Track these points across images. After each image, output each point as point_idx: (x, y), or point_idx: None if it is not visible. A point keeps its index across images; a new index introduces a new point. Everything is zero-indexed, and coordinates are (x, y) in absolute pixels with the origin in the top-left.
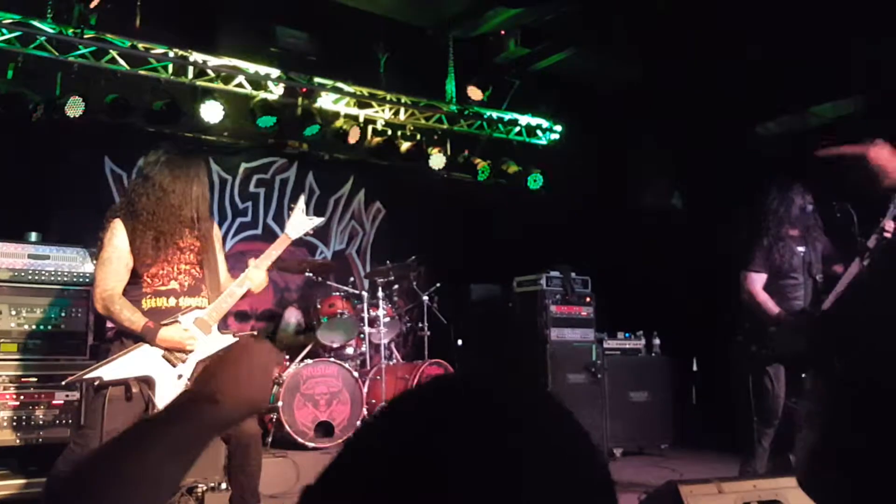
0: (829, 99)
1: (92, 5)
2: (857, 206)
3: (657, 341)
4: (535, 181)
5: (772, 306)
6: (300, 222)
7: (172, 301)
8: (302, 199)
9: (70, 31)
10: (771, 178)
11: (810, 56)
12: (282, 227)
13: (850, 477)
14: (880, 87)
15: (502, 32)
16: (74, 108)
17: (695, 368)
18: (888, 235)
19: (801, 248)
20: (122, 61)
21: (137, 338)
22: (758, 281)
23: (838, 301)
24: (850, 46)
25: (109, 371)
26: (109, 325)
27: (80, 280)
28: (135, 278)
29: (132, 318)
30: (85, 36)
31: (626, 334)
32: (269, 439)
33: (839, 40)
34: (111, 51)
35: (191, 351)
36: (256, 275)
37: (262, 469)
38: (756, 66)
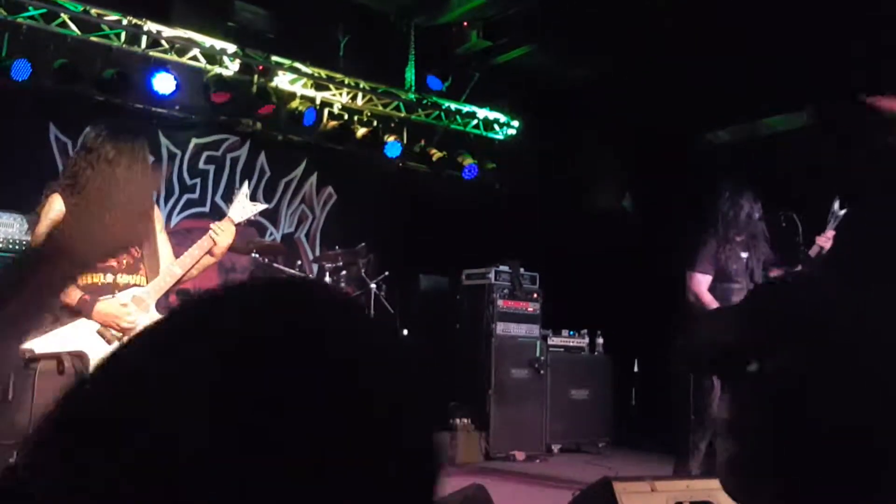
0: (782, 111)
1: None
2: (802, 215)
3: (600, 340)
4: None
5: (716, 308)
6: (243, 207)
7: (109, 277)
8: (246, 184)
9: None
10: (723, 182)
11: (766, 67)
12: (230, 207)
13: (771, 483)
14: (831, 101)
15: (465, 24)
16: (20, 70)
17: (636, 369)
18: (824, 246)
19: (744, 254)
20: (73, 26)
21: (73, 312)
22: (703, 282)
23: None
24: (805, 59)
25: (42, 343)
26: None
27: (18, 248)
28: None
29: (67, 292)
30: None
31: (571, 332)
32: None
33: (795, 53)
34: (62, 14)
35: (128, 328)
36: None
37: None
38: (712, 73)
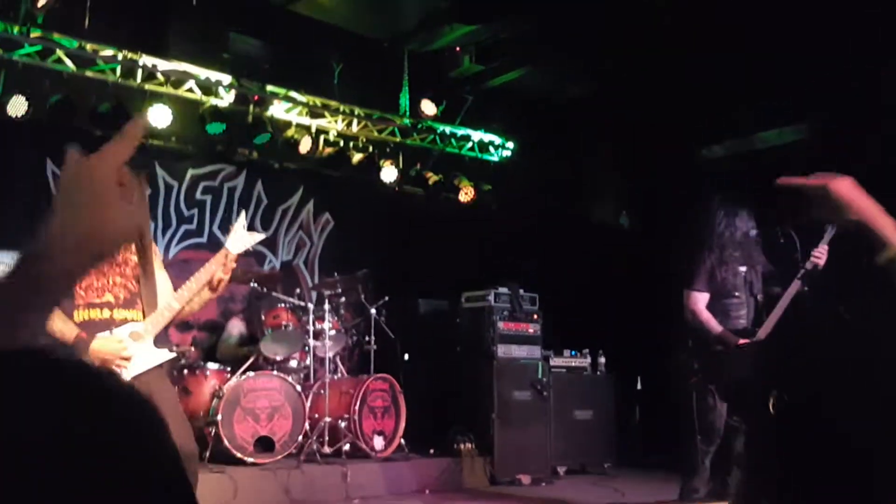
0: (777, 125)
1: (39, 4)
2: (800, 231)
3: (602, 359)
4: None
5: (714, 325)
6: (241, 237)
7: (106, 313)
8: (243, 215)
9: (15, 28)
10: (718, 201)
11: (760, 81)
12: (227, 238)
13: None
14: (827, 116)
15: (457, 49)
16: (17, 107)
17: (639, 387)
18: (818, 261)
19: (742, 268)
20: (68, 61)
21: (68, 350)
22: (701, 300)
23: (777, 324)
24: (801, 74)
25: None
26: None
27: None
28: None
29: (63, 329)
30: (31, 34)
31: (573, 352)
32: (207, 454)
33: (789, 68)
34: (57, 50)
35: (124, 364)
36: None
37: (198, 484)
38: (706, 89)
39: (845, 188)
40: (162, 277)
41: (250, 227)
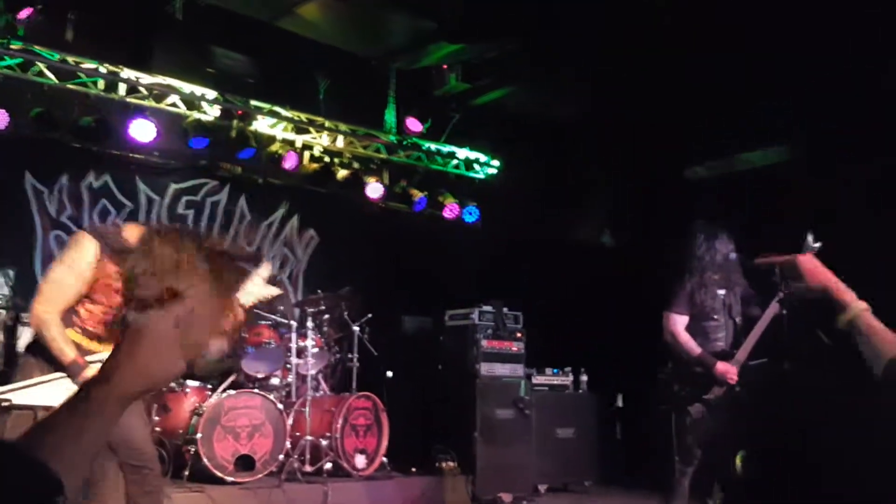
0: (759, 146)
1: (20, 16)
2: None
3: (584, 378)
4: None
5: (693, 346)
6: (257, 289)
7: (95, 344)
8: (268, 266)
9: None
10: (699, 225)
11: (742, 102)
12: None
13: None
14: (808, 137)
15: (444, 67)
16: None
17: (620, 405)
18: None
19: (721, 291)
20: (50, 74)
21: (54, 362)
22: (680, 322)
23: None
24: (780, 95)
25: (22, 396)
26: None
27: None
28: (73, 308)
29: (64, 349)
30: (12, 46)
31: (555, 370)
32: (186, 472)
33: (771, 89)
34: (39, 63)
35: None
36: None
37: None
38: (689, 110)
39: (809, 262)
40: None
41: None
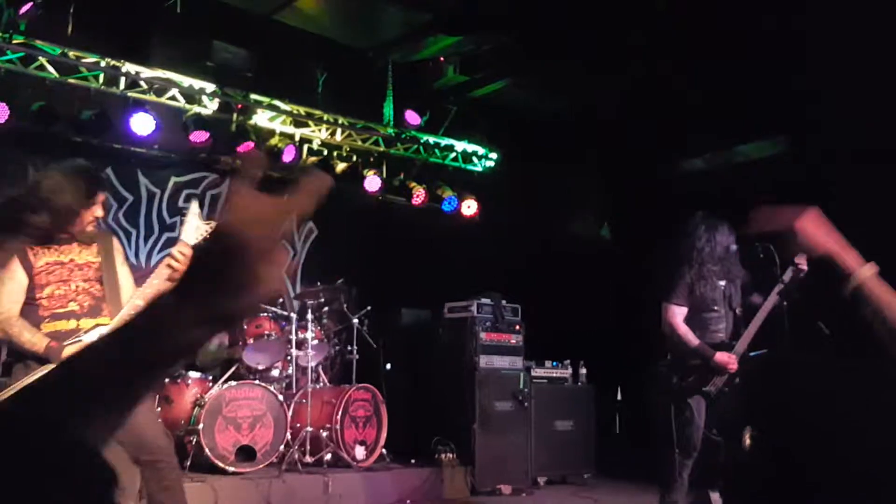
0: (755, 138)
1: (21, 11)
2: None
3: (583, 370)
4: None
5: (692, 338)
6: (197, 227)
7: (73, 323)
8: (195, 204)
9: None
10: (698, 216)
11: (738, 95)
12: (181, 229)
13: None
14: (804, 129)
15: (441, 59)
16: None
17: (619, 398)
18: (802, 269)
19: (721, 283)
20: (51, 68)
21: (40, 359)
22: (679, 314)
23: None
24: (777, 87)
25: (8, 392)
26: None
27: None
28: (31, 300)
29: (33, 339)
30: (13, 41)
31: (554, 363)
32: (188, 463)
33: (766, 81)
34: (40, 58)
35: None
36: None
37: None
38: (686, 101)
39: (810, 226)
40: (124, 274)
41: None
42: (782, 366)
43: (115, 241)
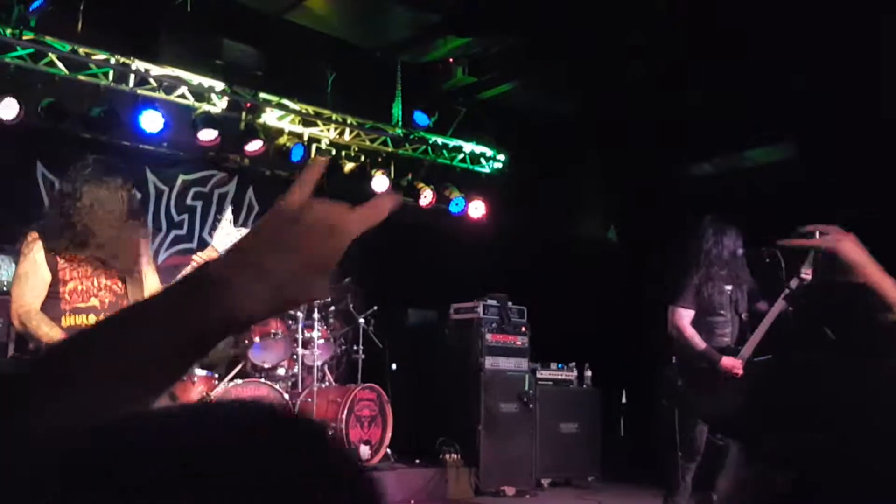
0: (764, 144)
1: (32, 7)
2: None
3: (589, 373)
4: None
5: (698, 341)
6: (228, 234)
7: (93, 319)
8: (229, 211)
9: (7, 31)
10: (707, 219)
11: (747, 100)
12: (213, 235)
13: None
14: (813, 134)
15: (450, 60)
16: (7, 110)
17: (624, 401)
18: (806, 278)
19: (728, 287)
20: (60, 65)
21: None
22: (686, 317)
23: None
24: (777, 88)
25: None
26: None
27: (2, 288)
28: (53, 294)
29: (50, 333)
30: (23, 37)
31: (559, 365)
32: None
33: (775, 85)
34: (50, 54)
35: None
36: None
37: None
38: (695, 105)
39: (852, 251)
40: (150, 274)
41: (238, 224)
42: (813, 367)
43: (143, 243)
